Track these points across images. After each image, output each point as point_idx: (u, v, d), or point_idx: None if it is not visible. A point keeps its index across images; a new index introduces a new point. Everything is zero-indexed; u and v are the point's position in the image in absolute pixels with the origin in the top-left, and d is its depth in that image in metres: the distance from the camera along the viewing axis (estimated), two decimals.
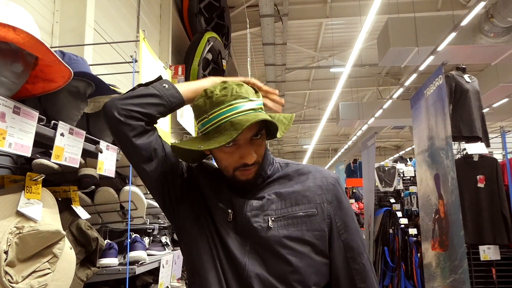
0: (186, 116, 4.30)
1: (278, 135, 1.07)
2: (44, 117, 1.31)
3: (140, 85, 1.13)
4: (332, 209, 1.12)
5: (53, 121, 1.36)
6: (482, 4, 5.33)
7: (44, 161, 1.80)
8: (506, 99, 9.91)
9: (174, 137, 5.25)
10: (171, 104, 1.12)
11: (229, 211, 1.10)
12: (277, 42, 9.07)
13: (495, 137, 4.65)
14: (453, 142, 3.79)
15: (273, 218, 1.08)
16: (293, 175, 1.16)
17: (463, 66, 4.43)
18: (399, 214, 6.29)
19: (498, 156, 4.59)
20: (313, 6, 9.20)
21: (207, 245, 1.10)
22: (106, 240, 1.97)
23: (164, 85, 1.12)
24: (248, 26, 7.61)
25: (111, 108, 1.07)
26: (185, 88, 1.15)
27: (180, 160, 1.21)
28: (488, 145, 4.21)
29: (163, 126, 2.75)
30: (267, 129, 1.11)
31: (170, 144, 1.15)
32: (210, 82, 1.16)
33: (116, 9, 4.18)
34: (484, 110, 4.46)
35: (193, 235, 1.13)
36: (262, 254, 1.06)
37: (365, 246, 1.17)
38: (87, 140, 1.59)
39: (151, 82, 1.14)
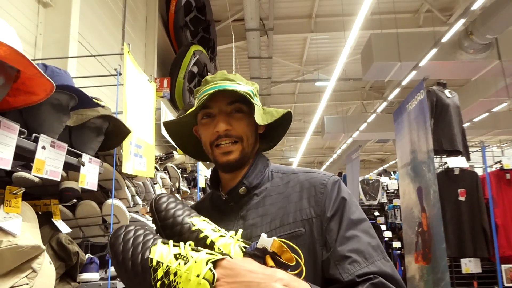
0: None
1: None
2: (25, 130, 1.30)
3: None
4: (324, 221, 0.96)
5: (34, 134, 1.35)
6: (461, 21, 5.49)
7: (24, 174, 1.78)
8: (486, 114, 10.13)
9: (158, 150, 5.22)
10: None
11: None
12: (262, 56, 9.17)
13: (476, 151, 4.73)
14: (434, 156, 3.85)
15: None
16: (282, 188, 1.05)
17: (444, 82, 4.53)
18: (383, 227, 6.34)
19: (479, 170, 4.67)
20: (298, 21, 9.34)
21: None
22: (87, 255, 1.94)
23: None
24: (233, 40, 7.67)
25: None
26: None
27: None
28: (468, 159, 4.29)
29: (148, 139, 2.74)
30: (267, 132, 1.13)
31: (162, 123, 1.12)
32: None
33: (101, 21, 4.18)
34: (465, 125, 4.56)
35: None
36: None
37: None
38: (69, 153, 1.58)
39: None
